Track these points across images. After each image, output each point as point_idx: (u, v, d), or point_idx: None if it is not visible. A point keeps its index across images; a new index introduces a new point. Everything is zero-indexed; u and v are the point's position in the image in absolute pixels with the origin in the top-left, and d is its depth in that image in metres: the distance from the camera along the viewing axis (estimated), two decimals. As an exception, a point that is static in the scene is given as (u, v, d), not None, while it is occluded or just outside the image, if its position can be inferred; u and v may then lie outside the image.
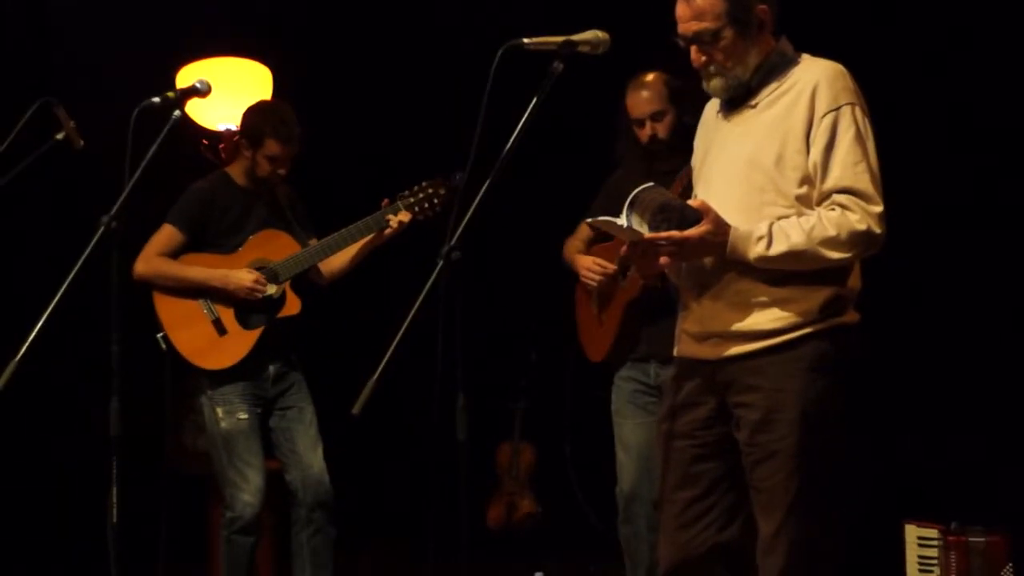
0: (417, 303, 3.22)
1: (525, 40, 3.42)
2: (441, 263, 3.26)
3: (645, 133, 4.83)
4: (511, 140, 3.33)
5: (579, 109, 5.59)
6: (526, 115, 3.35)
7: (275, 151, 5.05)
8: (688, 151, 3.78)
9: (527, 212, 6.48)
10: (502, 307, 6.85)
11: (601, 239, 4.95)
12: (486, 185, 3.31)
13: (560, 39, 3.44)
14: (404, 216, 5.05)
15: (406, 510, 6.38)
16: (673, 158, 4.70)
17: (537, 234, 5.54)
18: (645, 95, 4.83)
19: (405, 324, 3.21)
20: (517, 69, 3.36)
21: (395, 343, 3.22)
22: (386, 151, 6.79)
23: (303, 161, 5.16)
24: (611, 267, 4.82)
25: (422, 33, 6.86)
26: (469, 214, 3.28)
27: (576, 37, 3.45)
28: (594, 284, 4.89)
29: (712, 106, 3.69)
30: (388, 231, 5.05)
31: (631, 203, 3.38)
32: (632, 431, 4.90)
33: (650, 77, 4.85)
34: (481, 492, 7.04)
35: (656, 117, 4.82)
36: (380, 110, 6.93)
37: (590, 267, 4.89)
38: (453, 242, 3.27)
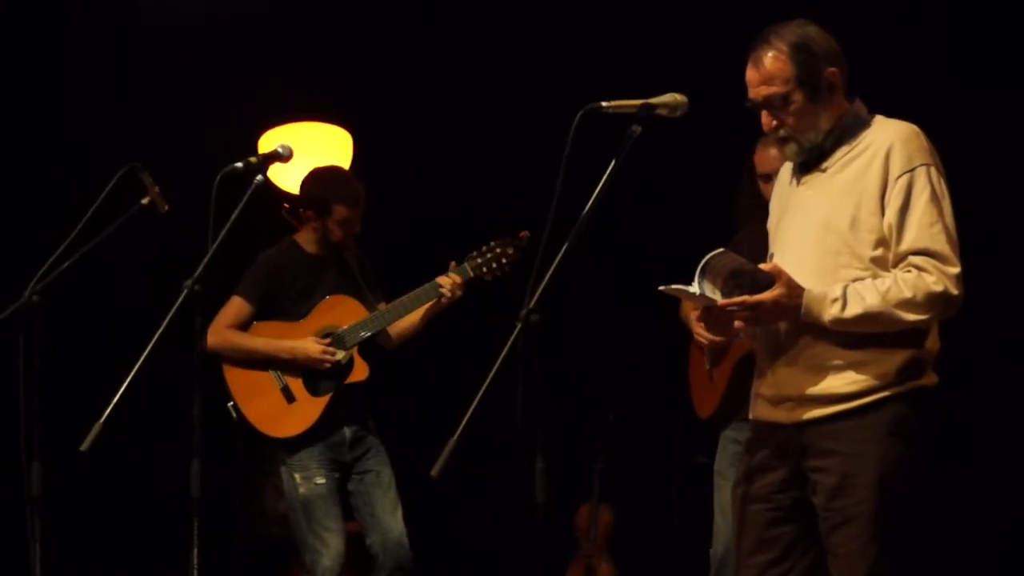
0: (496, 365, 3.22)
1: (603, 103, 3.43)
2: (520, 325, 3.26)
3: (771, 188, 4.80)
4: (590, 202, 3.33)
5: (658, 171, 5.59)
6: (605, 177, 3.36)
7: (344, 215, 5.09)
8: None
9: (604, 274, 6.48)
10: (580, 368, 6.83)
11: None
12: (564, 247, 3.31)
13: (638, 102, 3.45)
14: (452, 285, 5.01)
15: (485, 573, 6.35)
16: None
17: (614, 296, 5.54)
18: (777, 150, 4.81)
19: (484, 386, 3.21)
20: (596, 131, 3.37)
21: (474, 405, 3.22)
22: (464, 214, 6.83)
23: (380, 221, 5.19)
24: None
25: (500, 96, 6.91)
26: (548, 277, 3.29)
27: (654, 100, 3.46)
28: (705, 342, 4.86)
29: (786, 169, 3.68)
30: (443, 298, 5.04)
31: (703, 269, 3.37)
32: (731, 494, 4.85)
33: None
34: (559, 556, 7.00)
35: None
36: (458, 172, 6.97)
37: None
38: (532, 304, 3.28)
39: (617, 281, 6.06)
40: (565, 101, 3.56)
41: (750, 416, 3.65)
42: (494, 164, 6.87)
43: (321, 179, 5.18)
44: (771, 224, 3.71)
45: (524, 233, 5.04)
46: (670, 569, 6.51)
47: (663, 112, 3.47)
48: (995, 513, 5.77)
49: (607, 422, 7.10)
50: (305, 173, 5.98)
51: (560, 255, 3.31)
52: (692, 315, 4.92)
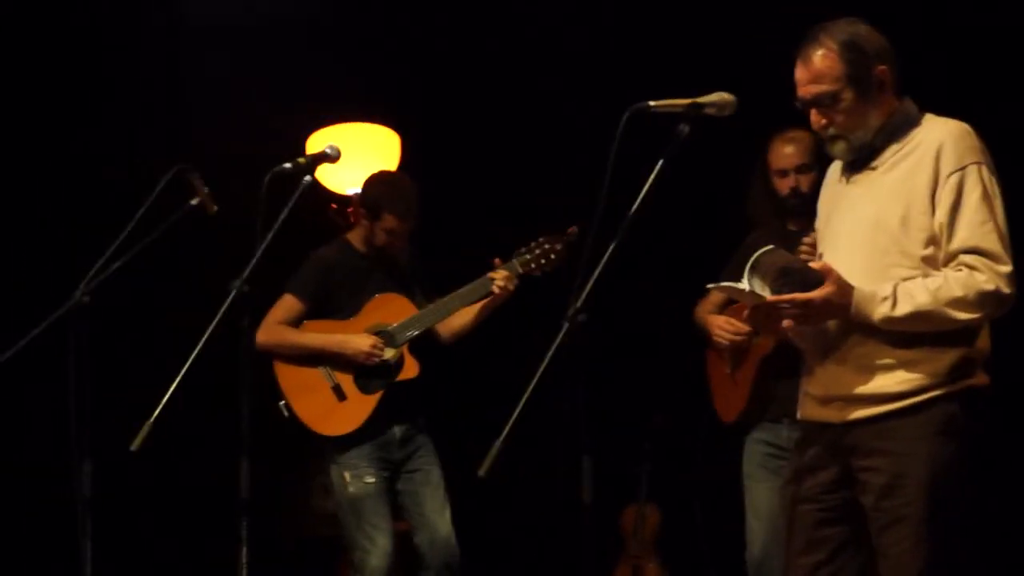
0: (543, 365, 3.22)
1: (651, 103, 3.43)
2: (567, 325, 3.26)
3: (787, 184, 4.79)
4: (637, 202, 3.33)
5: (706, 170, 5.58)
6: (652, 177, 3.35)
7: (391, 225, 5.10)
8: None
9: (652, 274, 6.46)
10: (627, 369, 6.82)
11: (733, 301, 4.91)
12: (612, 247, 3.31)
13: (686, 101, 3.44)
14: (504, 279, 5.04)
15: (532, 573, 6.35)
16: (807, 218, 4.68)
17: (661, 295, 5.52)
18: (793, 147, 4.79)
19: (531, 386, 3.21)
20: (644, 130, 3.36)
21: (521, 405, 3.22)
22: (511, 213, 6.83)
23: (428, 221, 5.20)
24: (743, 327, 4.77)
25: (548, 95, 6.91)
26: (595, 276, 3.28)
27: (702, 99, 3.45)
28: (726, 343, 4.84)
29: (835, 168, 3.65)
30: (496, 292, 5.05)
31: (752, 267, 3.36)
32: (763, 495, 4.82)
33: (800, 131, 4.80)
34: (606, 556, 6.99)
35: (801, 170, 4.78)
36: (505, 171, 6.97)
37: (722, 326, 4.84)
38: (579, 304, 3.28)
39: (665, 280, 6.04)
40: (613, 100, 3.55)
41: (798, 416, 3.63)
42: (541, 163, 6.87)
43: (382, 184, 5.18)
44: (820, 223, 3.69)
45: (573, 229, 5.04)
46: (718, 570, 6.49)
47: (711, 111, 3.46)
48: None
49: (654, 422, 7.09)
50: (352, 174, 6.00)
51: (607, 254, 3.30)
52: (710, 317, 4.92)
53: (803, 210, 4.73)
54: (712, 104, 3.46)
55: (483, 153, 7.01)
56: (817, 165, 4.74)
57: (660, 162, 3.36)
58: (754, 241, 4.86)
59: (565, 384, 3.22)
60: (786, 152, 4.81)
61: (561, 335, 3.25)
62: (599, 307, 3.30)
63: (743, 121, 3.58)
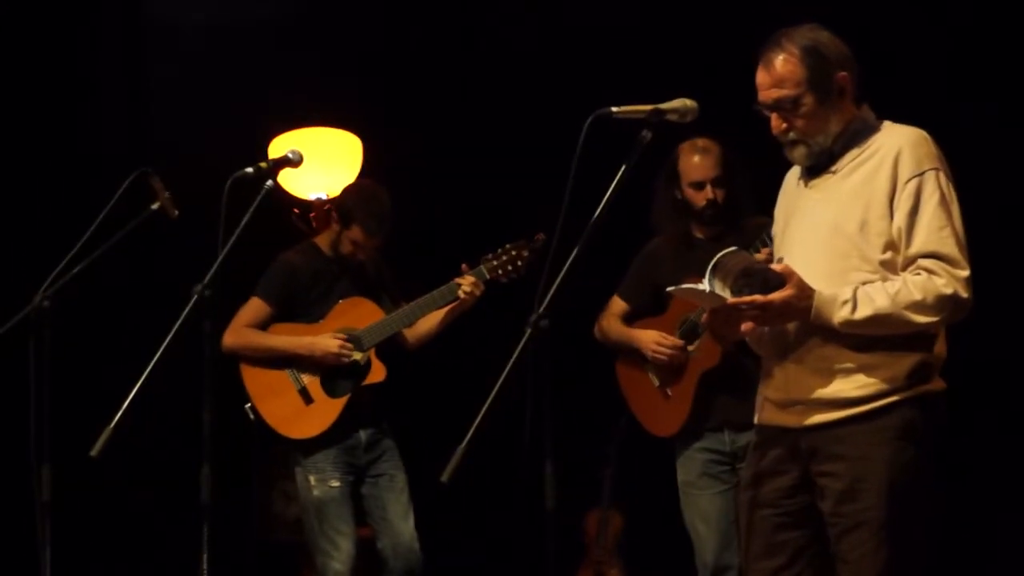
0: (506, 371, 3.22)
1: (613, 109, 3.43)
2: (529, 331, 3.26)
3: (704, 196, 4.78)
4: (600, 208, 3.33)
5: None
6: (615, 183, 3.35)
7: (358, 238, 5.10)
8: (728, 221, 3.64)
9: (614, 279, 6.47)
10: (590, 373, 6.83)
11: (640, 314, 4.92)
12: (575, 253, 3.31)
13: (648, 107, 3.44)
14: (471, 284, 5.04)
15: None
16: (715, 226, 4.72)
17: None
18: (710, 159, 4.77)
19: (494, 392, 3.21)
20: (606, 136, 3.37)
21: (484, 410, 3.22)
22: (474, 219, 6.83)
23: (395, 226, 5.19)
24: (677, 340, 4.79)
25: (509, 100, 6.91)
26: (558, 282, 3.29)
27: (664, 105, 3.46)
28: (664, 359, 4.83)
29: (792, 174, 3.67)
30: (463, 298, 5.05)
31: (713, 268, 3.36)
32: (710, 501, 4.84)
33: (711, 141, 4.79)
34: (569, 561, 6.99)
35: (717, 183, 4.78)
36: (469, 177, 6.97)
37: (658, 342, 4.84)
38: (541, 310, 3.28)
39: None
40: (575, 105, 3.56)
41: (756, 420, 3.63)
42: (504, 169, 6.87)
43: (359, 195, 5.16)
44: (777, 228, 3.70)
45: (540, 235, 5.06)
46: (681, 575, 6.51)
47: (673, 117, 3.47)
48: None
49: (617, 427, 7.09)
50: (315, 178, 5.98)
51: (570, 260, 3.31)
52: (635, 333, 4.92)
53: (715, 220, 4.76)
54: (674, 110, 3.47)
55: (446, 158, 7.01)
56: (730, 175, 4.76)
57: (623, 168, 3.36)
58: (656, 248, 4.88)
59: (528, 389, 3.22)
60: (703, 163, 4.78)
61: (524, 340, 3.25)
62: (562, 312, 3.30)
63: (705, 127, 3.59)
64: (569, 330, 3.71)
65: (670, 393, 4.89)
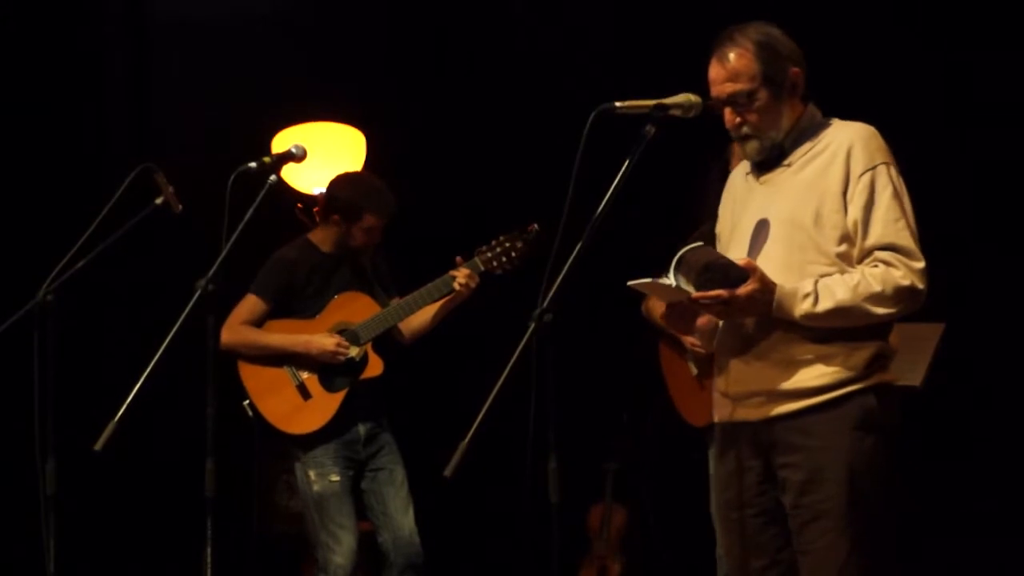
0: (509, 365, 3.23)
1: (617, 104, 3.43)
2: (533, 325, 3.27)
3: None
4: (603, 202, 3.34)
5: (673, 171, 5.59)
6: (618, 178, 3.36)
7: (373, 223, 5.12)
8: None
9: (619, 273, 6.47)
10: (594, 368, 6.84)
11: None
12: (578, 248, 3.32)
13: (652, 102, 3.45)
14: (466, 277, 5.04)
15: (498, 573, 6.35)
16: None
17: (628, 294, 5.52)
18: None
19: (497, 386, 3.22)
20: (609, 131, 3.37)
21: (487, 405, 3.23)
22: (477, 214, 6.83)
23: (394, 219, 5.20)
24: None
25: (512, 94, 6.92)
26: (561, 276, 3.29)
27: (668, 100, 3.46)
28: (703, 353, 4.83)
29: (740, 170, 3.69)
30: (458, 291, 5.06)
31: (677, 263, 3.38)
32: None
33: None
34: (572, 555, 7.00)
35: None
36: (472, 172, 6.98)
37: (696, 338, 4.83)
38: (545, 304, 3.29)
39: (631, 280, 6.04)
40: (579, 100, 3.56)
41: (714, 419, 3.64)
42: (507, 163, 6.88)
43: (357, 185, 5.18)
44: (723, 226, 3.72)
45: (533, 226, 5.07)
46: (683, 569, 6.52)
47: (676, 112, 3.48)
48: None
49: (621, 422, 7.10)
50: (318, 173, 5.98)
51: (574, 255, 3.31)
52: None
53: None
54: (678, 105, 3.47)
55: (448, 152, 7.02)
56: None
57: (626, 163, 3.37)
58: (699, 236, 4.87)
59: (532, 383, 3.23)
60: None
61: (528, 334, 3.26)
62: (565, 306, 3.31)
63: (707, 123, 3.60)
64: (573, 325, 3.71)
65: (705, 384, 4.90)
